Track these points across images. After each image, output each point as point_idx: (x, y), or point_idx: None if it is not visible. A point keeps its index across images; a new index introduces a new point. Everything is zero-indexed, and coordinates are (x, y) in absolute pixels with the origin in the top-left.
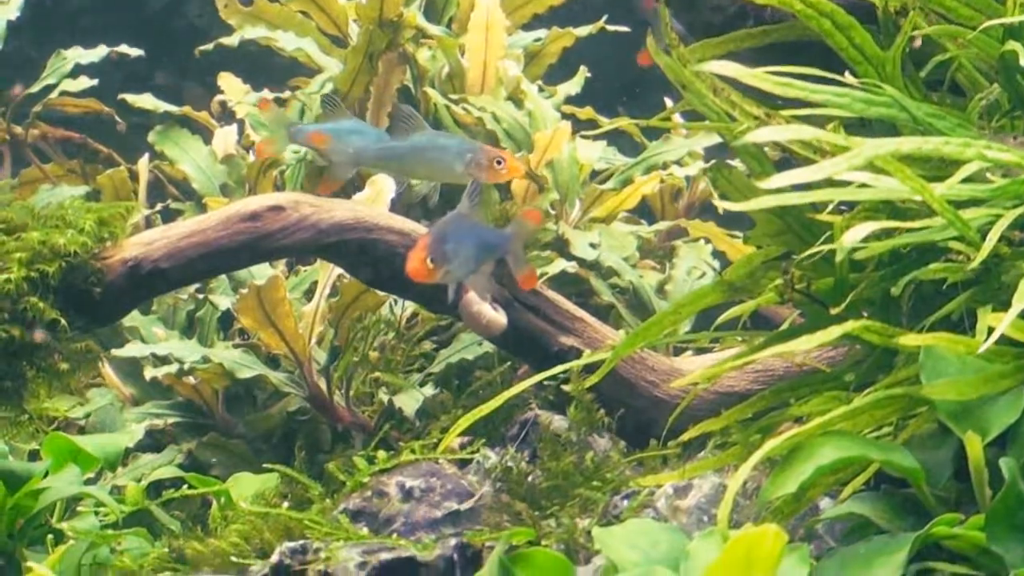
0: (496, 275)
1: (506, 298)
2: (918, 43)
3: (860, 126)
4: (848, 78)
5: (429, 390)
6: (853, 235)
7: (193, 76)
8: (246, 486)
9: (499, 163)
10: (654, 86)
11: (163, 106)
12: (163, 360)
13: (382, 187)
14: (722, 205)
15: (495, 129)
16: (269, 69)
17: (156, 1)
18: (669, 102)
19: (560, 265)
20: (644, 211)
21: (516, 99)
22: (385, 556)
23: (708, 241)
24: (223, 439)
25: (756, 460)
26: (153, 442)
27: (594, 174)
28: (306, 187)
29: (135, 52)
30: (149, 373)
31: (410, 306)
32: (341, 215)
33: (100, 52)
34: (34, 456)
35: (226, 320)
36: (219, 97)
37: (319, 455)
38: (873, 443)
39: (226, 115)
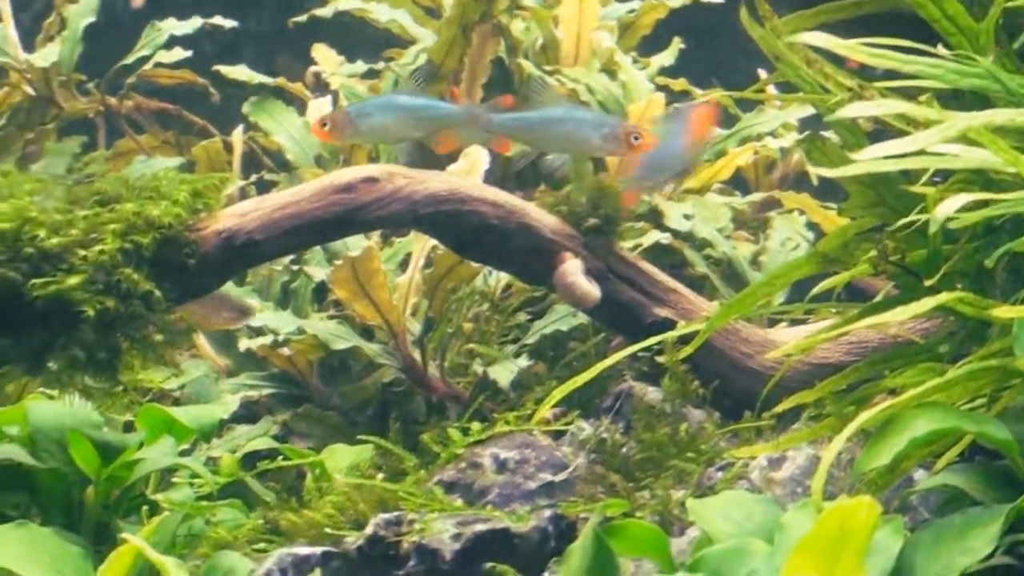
0: (591, 245)
1: (600, 270)
2: None
3: (953, 98)
4: (941, 50)
5: (523, 361)
6: (947, 207)
7: (287, 47)
8: (341, 457)
9: (636, 138)
10: (748, 57)
11: (257, 77)
12: (258, 331)
13: (476, 158)
14: (816, 172)
15: (589, 101)
16: (363, 40)
17: None
18: (763, 73)
19: (654, 236)
20: (738, 182)
21: (610, 70)
22: (480, 527)
23: (802, 213)
24: (318, 410)
25: (850, 432)
26: (248, 413)
27: None
28: (399, 158)
29: (229, 23)
30: (244, 344)
31: (504, 277)
32: (435, 186)
33: (194, 23)
34: (129, 427)
35: (321, 291)
36: (313, 68)
37: (414, 426)
38: (967, 415)
39: (320, 86)
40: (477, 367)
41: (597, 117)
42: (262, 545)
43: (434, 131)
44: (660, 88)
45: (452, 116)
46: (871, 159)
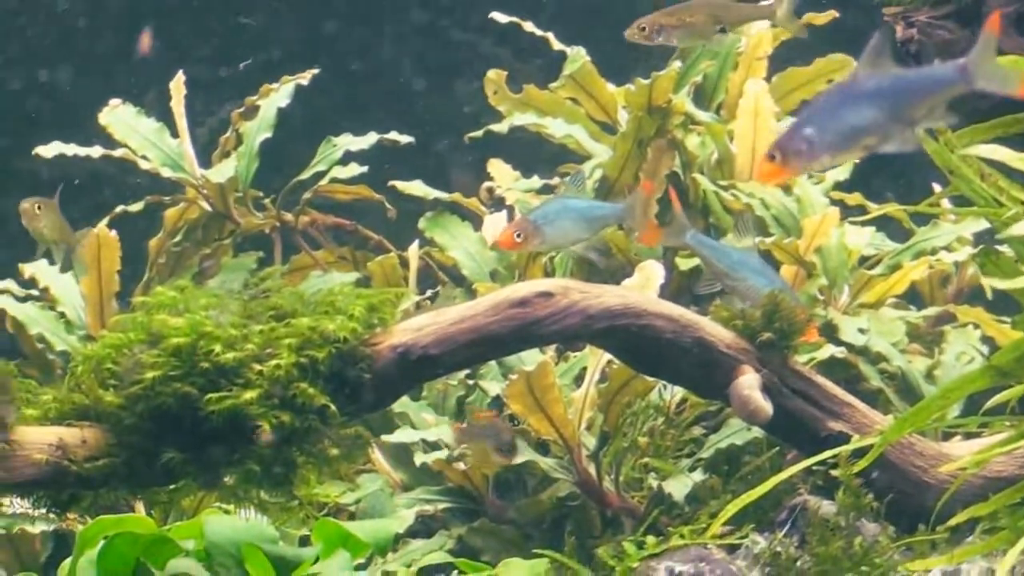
0: (765, 359)
1: (774, 384)
2: None
3: None
4: None
5: (698, 475)
6: None
7: (462, 162)
8: (516, 572)
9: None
10: (922, 171)
11: (432, 193)
12: (433, 446)
13: (651, 273)
14: (991, 285)
15: (763, 215)
16: (538, 155)
17: (426, 89)
18: (937, 187)
19: (829, 350)
20: (913, 297)
21: (785, 185)
22: None
23: (977, 327)
24: (493, 525)
25: None
26: (423, 528)
27: (862, 260)
28: (575, 273)
29: (405, 139)
30: (419, 459)
31: (679, 391)
32: (610, 301)
33: (370, 139)
34: (305, 542)
35: (496, 406)
36: (487, 183)
37: (589, 540)
38: None
39: (495, 201)
40: (652, 481)
41: (774, 280)
42: None
43: (604, 229)
44: (835, 203)
45: (620, 213)
46: None
